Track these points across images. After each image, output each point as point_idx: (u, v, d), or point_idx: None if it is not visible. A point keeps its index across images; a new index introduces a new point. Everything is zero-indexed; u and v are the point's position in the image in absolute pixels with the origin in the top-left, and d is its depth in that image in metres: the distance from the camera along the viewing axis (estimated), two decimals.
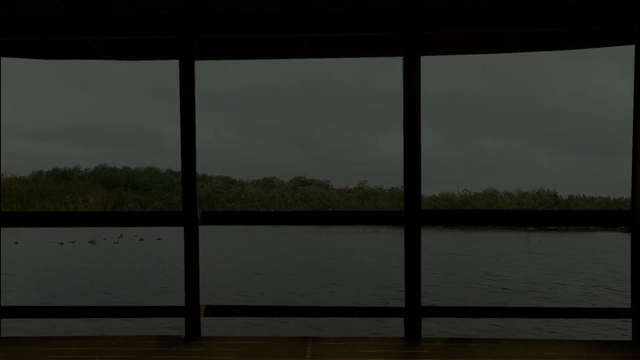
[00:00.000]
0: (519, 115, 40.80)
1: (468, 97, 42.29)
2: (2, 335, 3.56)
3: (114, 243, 16.26)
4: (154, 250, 14.43)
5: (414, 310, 3.42)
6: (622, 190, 28.32)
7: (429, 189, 30.17)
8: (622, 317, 3.55)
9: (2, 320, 3.62)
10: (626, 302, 3.50)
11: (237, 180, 35.53)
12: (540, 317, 3.86)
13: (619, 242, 17.38)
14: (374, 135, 43.42)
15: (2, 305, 3.65)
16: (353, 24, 3.41)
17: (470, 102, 41.72)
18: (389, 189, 32.27)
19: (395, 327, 5.80)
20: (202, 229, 3.48)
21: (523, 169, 40.04)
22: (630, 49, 3.40)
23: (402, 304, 3.52)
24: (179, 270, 4.17)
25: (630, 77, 3.39)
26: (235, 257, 13.04)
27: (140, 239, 17.22)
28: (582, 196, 27.80)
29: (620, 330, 6.04)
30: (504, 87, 42.40)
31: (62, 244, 15.91)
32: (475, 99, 41.95)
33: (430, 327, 5.92)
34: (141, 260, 12.51)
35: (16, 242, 15.78)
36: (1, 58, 3.68)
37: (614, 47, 3.76)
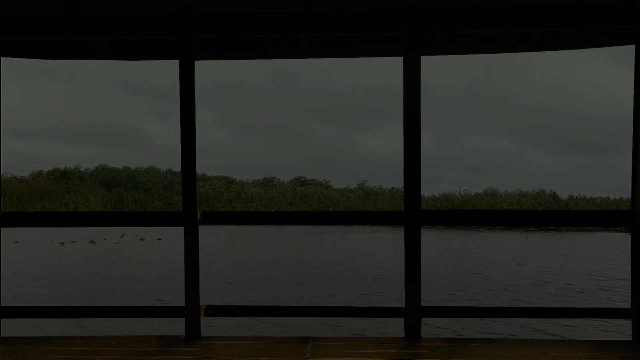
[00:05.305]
0: (518, 114, 40.85)
1: (469, 97, 42.31)
2: (2, 335, 3.56)
3: (114, 243, 16.27)
4: (154, 250, 14.42)
5: (414, 310, 3.42)
6: (622, 190, 28.36)
7: (428, 188, 30.24)
8: (622, 317, 3.55)
9: (2, 320, 3.62)
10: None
11: (237, 180, 35.57)
12: (540, 317, 3.86)
13: (614, 241, 17.38)
14: (374, 135, 43.46)
15: (2, 305, 3.66)
16: (353, 24, 3.40)
17: (470, 101, 41.75)
18: (389, 189, 32.29)
19: (396, 327, 5.79)
20: (202, 228, 3.48)
21: (523, 169, 40.10)
22: (630, 49, 3.40)
23: (402, 304, 3.52)
24: (178, 270, 4.17)
25: (630, 76, 3.39)
26: (237, 257, 13.04)
27: (141, 239, 17.23)
28: (582, 196, 27.81)
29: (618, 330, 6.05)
30: (504, 86, 42.42)
31: (62, 243, 15.91)
32: (476, 98, 41.97)
33: (430, 327, 5.92)
34: (141, 260, 12.50)
35: (16, 242, 15.79)
36: (1, 58, 3.68)
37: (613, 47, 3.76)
